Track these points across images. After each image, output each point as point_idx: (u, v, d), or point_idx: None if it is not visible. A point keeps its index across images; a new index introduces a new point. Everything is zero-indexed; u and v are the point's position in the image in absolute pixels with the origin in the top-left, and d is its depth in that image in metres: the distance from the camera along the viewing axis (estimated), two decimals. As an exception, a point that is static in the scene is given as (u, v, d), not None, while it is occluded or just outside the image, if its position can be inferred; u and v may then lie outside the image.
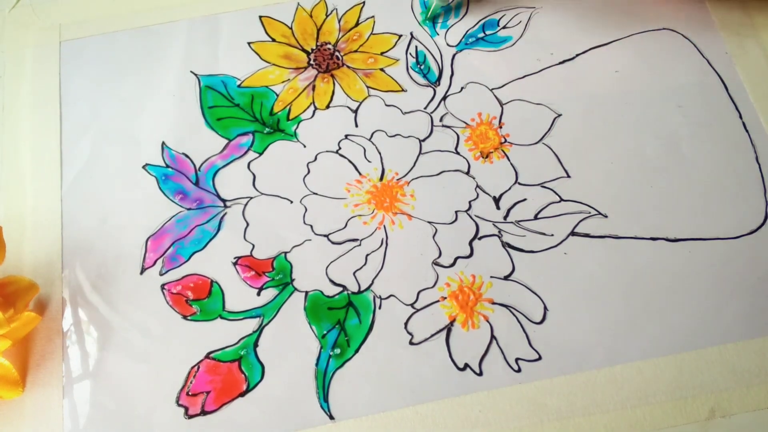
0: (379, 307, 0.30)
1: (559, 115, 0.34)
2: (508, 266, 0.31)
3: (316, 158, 0.34)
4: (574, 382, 0.28)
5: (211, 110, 0.35)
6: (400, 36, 0.37)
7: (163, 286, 0.31)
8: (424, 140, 0.34)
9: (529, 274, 0.31)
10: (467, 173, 0.33)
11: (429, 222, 0.32)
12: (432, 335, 0.29)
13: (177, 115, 0.35)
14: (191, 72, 0.36)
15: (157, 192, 0.33)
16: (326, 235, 0.32)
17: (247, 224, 0.32)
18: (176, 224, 0.32)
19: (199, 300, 0.31)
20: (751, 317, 0.29)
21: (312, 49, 0.37)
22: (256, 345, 0.30)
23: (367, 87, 0.36)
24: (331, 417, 0.28)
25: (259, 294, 0.31)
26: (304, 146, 0.34)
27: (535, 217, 0.32)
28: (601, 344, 0.29)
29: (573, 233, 0.31)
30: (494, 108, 0.35)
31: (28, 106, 0.36)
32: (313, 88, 0.36)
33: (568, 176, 0.33)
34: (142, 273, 0.31)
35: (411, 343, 0.29)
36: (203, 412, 0.28)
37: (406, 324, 0.30)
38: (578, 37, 0.37)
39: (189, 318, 0.30)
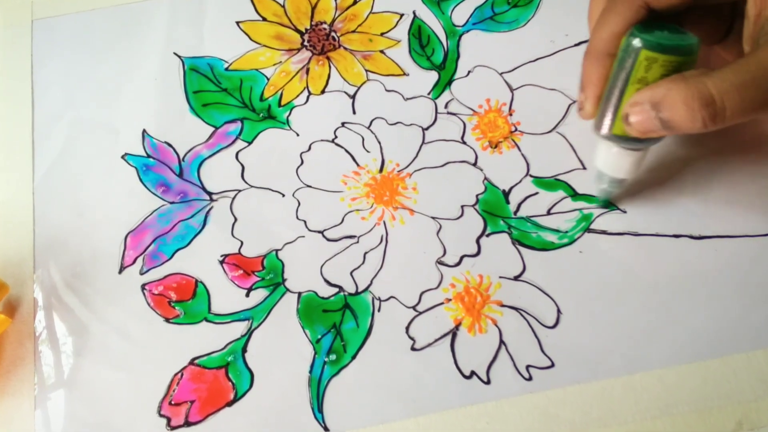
0: (378, 310, 0.29)
1: (574, 102, 0.33)
2: (519, 265, 0.30)
3: (310, 148, 0.33)
4: (589, 391, 0.27)
5: (196, 95, 0.35)
6: (401, 15, 0.36)
7: (143, 287, 0.30)
8: (427, 128, 0.33)
9: (542, 274, 0.30)
10: (474, 164, 0.32)
11: (432, 217, 0.31)
12: (435, 340, 0.29)
13: (159, 100, 0.35)
14: (174, 54, 0.36)
15: (138, 184, 0.33)
16: (321, 232, 0.31)
17: (235, 219, 0.32)
18: (158, 219, 0.32)
19: (182, 301, 0.30)
20: (782, 321, 0.28)
21: (306, 29, 0.36)
22: (244, 350, 0.29)
23: (366, 70, 0.35)
24: (326, 429, 0.27)
25: (248, 295, 0.30)
26: (297, 135, 0.34)
27: (548, 213, 0.31)
28: (618, 350, 0.28)
29: (589, 230, 0.31)
30: (504, 94, 0.34)
31: (-2, 91, 0.35)
32: (307, 72, 0.35)
33: (584, 168, 0.32)
34: (120, 272, 0.31)
35: (413, 348, 0.29)
36: (187, 423, 0.28)
37: (407, 328, 0.29)
38: (594, 17, 0.36)
39: (172, 321, 0.30)
